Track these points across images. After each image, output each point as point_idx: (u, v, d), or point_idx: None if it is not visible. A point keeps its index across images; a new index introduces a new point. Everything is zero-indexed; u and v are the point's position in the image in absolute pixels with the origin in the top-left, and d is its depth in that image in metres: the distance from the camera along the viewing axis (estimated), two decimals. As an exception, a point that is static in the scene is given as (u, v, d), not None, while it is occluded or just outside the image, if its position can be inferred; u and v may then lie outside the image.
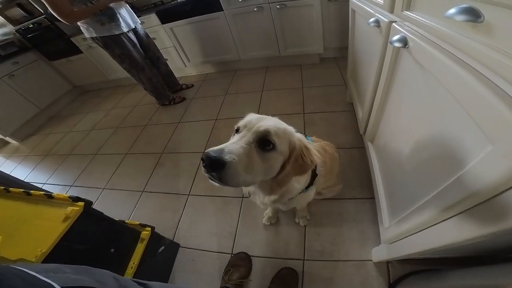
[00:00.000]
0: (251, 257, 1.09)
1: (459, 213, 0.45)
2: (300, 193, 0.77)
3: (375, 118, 1.01)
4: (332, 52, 2.46)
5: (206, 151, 0.47)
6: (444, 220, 0.50)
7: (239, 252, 1.10)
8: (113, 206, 1.60)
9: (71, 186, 1.90)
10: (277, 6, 2.09)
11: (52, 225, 0.71)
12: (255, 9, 2.15)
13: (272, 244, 1.13)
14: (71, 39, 2.79)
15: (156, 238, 1.09)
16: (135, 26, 2.04)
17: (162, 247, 1.10)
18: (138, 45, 2.07)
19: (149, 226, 1.06)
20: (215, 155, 0.46)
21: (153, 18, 2.44)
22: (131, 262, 0.93)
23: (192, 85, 2.75)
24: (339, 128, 1.62)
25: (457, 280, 0.66)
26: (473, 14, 0.40)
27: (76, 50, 2.93)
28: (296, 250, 1.09)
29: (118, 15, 1.84)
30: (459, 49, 0.46)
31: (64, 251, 0.71)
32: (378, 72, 0.91)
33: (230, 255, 1.13)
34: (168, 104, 2.48)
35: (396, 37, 0.65)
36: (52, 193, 0.82)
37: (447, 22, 0.50)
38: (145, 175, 1.74)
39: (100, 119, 2.72)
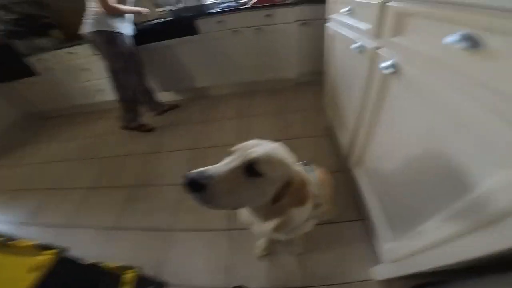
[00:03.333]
0: (249, 290, 1.01)
1: (476, 229, 0.47)
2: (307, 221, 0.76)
3: (363, 143, 1.04)
4: (307, 77, 2.56)
5: (188, 172, 0.47)
6: (460, 237, 0.51)
7: (236, 286, 1.01)
8: (76, 246, 1.35)
9: (22, 224, 1.63)
10: (253, 30, 2.17)
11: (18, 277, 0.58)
12: (232, 33, 2.20)
13: (269, 275, 1.08)
14: (24, 59, 2.52)
15: (142, 281, 0.95)
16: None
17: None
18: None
19: (133, 268, 0.93)
20: (195, 177, 0.46)
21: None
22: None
23: (177, 106, 2.68)
24: (321, 153, 1.67)
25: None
26: (472, 41, 0.41)
27: (30, 72, 2.63)
28: (296, 278, 1.04)
29: (127, 19, 1.97)
30: (459, 74, 0.47)
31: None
32: (364, 97, 0.93)
33: (225, 290, 1.04)
34: (133, 129, 2.33)
35: (385, 64, 0.68)
36: (9, 239, 0.67)
37: (443, 48, 0.50)
38: (116, 211, 1.57)
39: (60, 150, 2.43)
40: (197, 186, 0.46)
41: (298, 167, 0.60)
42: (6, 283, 0.57)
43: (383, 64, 0.69)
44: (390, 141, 0.84)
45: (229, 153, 0.57)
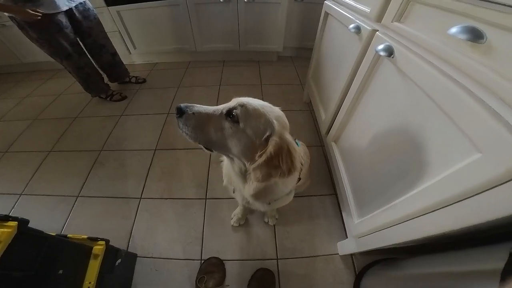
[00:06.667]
0: (224, 261, 1.04)
1: (438, 209, 0.51)
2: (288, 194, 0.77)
3: (342, 121, 1.05)
4: (290, 51, 2.55)
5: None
6: (422, 215, 0.55)
7: (210, 258, 1.04)
8: (37, 215, 1.29)
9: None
10: (245, 0, 2.04)
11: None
12: (222, 0, 2.05)
13: (243, 246, 1.10)
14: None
15: (112, 252, 0.93)
16: (74, 7, 1.65)
17: (119, 260, 0.96)
18: (69, 29, 1.67)
19: (101, 240, 0.90)
20: (181, 105, 0.57)
21: (96, -1, 2.05)
22: (86, 282, 0.79)
23: (144, 80, 2.38)
24: (298, 127, 1.69)
25: (412, 268, 0.75)
26: (476, 35, 0.43)
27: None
28: (268, 249, 1.09)
29: None
30: (453, 65, 0.50)
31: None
32: (351, 77, 0.94)
33: (199, 261, 1.06)
34: (104, 99, 2.11)
35: (381, 46, 0.68)
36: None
37: (443, 38, 0.53)
38: (80, 177, 1.47)
39: (10, 109, 2.16)
40: (179, 112, 0.57)
41: (289, 137, 0.58)
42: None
43: (380, 47, 0.69)
44: (369, 120, 0.86)
45: None
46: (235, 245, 1.11)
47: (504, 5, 0.40)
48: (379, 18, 0.79)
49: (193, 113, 0.57)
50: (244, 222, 1.17)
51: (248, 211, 1.19)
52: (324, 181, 1.33)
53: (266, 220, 1.17)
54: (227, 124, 0.56)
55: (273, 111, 0.57)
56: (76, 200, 1.35)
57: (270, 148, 0.52)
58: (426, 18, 0.60)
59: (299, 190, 1.19)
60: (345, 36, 1.04)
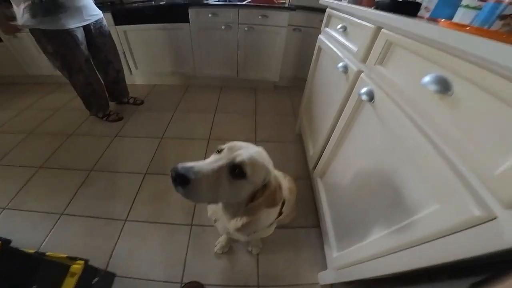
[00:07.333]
0: (205, 286, 1.03)
1: (408, 248, 0.54)
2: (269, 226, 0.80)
3: (328, 158, 1.09)
4: (286, 81, 2.64)
5: (176, 165, 0.50)
6: (394, 253, 0.59)
7: (190, 281, 1.03)
8: (18, 230, 1.26)
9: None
10: (245, 28, 2.16)
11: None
12: (223, 27, 2.17)
13: (225, 272, 1.10)
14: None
15: (90, 270, 0.93)
16: (90, 23, 1.74)
17: (96, 279, 0.94)
18: (84, 45, 1.75)
19: (81, 259, 0.90)
20: (182, 171, 0.49)
21: (106, 17, 2.13)
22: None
23: (142, 102, 2.42)
24: (287, 159, 1.72)
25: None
26: (444, 86, 0.45)
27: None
28: (250, 277, 1.08)
29: (63, 8, 1.54)
30: (421, 115, 0.52)
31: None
32: (338, 114, 0.97)
33: (179, 284, 1.04)
34: (100, 118, 2.13)
35: (364, 90, 0.71)
36: None
37: (417, 87, 0.54)
38: (67, 195, 1.45)
39: (8, 120, 2.18)
40: (184, 180, 0.49)
41: (275, 172, 0.65)
42: None
43: (363, 90, 0.72)
44: (351, 160, 0.90)
45: (218, 150, 0.60)
46: (217, 270, 1.10)
47: (464, 51, 0.41)
48: (364, 59, 0.81)
49: (201, 178, 0.50)
50: (228, 249, 1.17)
51: (232, 240, 1.19)
52: (311, 213, 1.35)
53: (250, 249, 1.17)
54: (232, 180, 0.54)
55: (264, 157, 0.61)
56: (59, 218, 1.33)
57: (268, 190, 0.59)
58: (404, 63, 0.62)
59: (284, 221, 1.21)
60: (335, 73, 1.06)
